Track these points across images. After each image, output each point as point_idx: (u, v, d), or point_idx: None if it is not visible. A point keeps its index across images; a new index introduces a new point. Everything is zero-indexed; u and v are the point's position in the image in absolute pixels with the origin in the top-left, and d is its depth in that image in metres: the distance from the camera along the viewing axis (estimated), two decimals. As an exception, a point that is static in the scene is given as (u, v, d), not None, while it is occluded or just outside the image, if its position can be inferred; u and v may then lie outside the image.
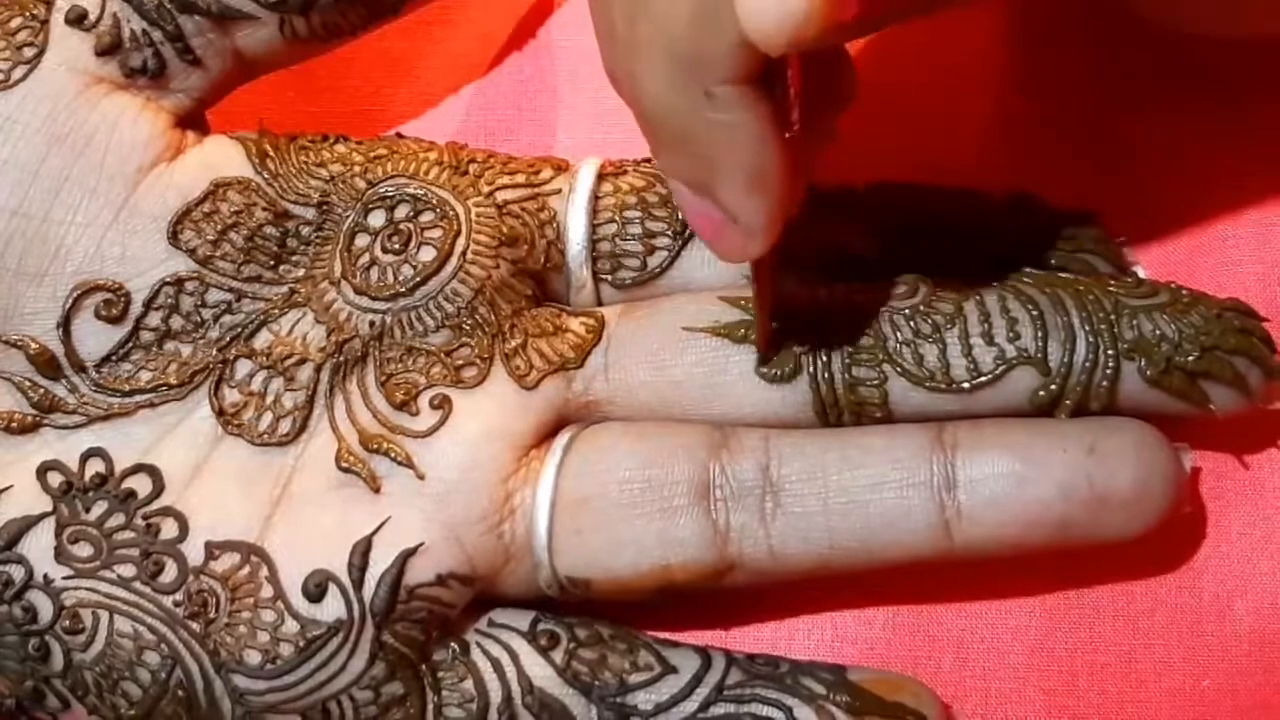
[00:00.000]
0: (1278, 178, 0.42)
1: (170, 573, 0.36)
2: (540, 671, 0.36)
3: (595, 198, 0.39)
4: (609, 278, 0.39)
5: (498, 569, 0.37)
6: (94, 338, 0.37)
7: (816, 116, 0.32)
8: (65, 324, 0.37)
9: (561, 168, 0.40)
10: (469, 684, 0.36)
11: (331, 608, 0.35)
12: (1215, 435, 0.39)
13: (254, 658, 0.35)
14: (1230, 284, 0.40)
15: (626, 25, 0.29)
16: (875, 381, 0.37)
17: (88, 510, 0.37)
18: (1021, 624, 0.39)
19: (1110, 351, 0.36)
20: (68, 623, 0.36)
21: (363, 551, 0.36)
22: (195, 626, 0.36)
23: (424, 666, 0.36)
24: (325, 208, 0.39)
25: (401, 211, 0.38)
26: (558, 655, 0.36)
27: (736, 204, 0.31)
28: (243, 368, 0.38)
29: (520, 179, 0.39)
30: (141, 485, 0.37)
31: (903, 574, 0.38)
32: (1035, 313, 0.36)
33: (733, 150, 0.30)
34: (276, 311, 0.38)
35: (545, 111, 0.45)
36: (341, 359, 0.38)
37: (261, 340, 0.38)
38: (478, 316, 0.38)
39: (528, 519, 0.37)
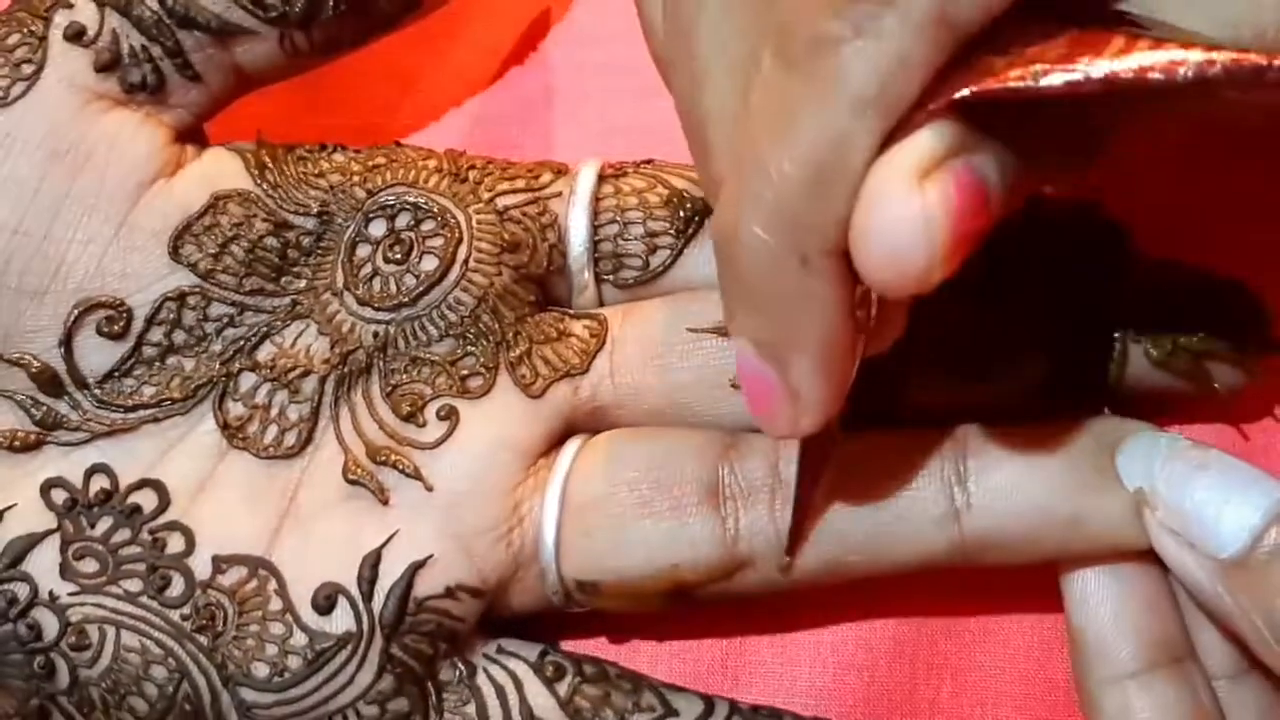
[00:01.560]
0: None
1: (177, 587, 0.36)
2: (543, 701, 0.36)
3: (596, 199, 0.39)
4: (611, 278, 0.39)
5: (507, 580, 0.37)
6: (96, 354, 0.37)
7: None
8: (67, 341, 0.37)
9: (561, 171, 0.40)
10: (471, 708, 0.36)
11: (340, 620, 0.35)
12: (1216, 411, 0.39)
13: (262, 670, 0.35)
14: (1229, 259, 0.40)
15: (733, 171, 0.29)
16: (885, 370, 0.36)
17: (93, 526, 0.36)
18: (1019, 649, 0.39)
19: (1117, 335, 0.36)
20: (73, 639, 0.35)
21: (372, 564, 0.36)
22: (203, 640, 0.35)
23: (430, 685, 0.36)
24: (325, 218, 0.39)
25: (402, 220, 0.38)
26: (562, 688, 0.36)
27: (802, 377, 0.30)
28: (247, 381, 0.38)
29: (520, 184, 0.39)
30: (147, 500, 0.37)
31: (904, 599, 0.39)
32: (1043, 299, 0.36)
33: (814, 321, 0.29)
34: (279, 323, 0.38)
35: (549, 126, 0.46)
36: (346, 370, 0.37)
37: (265, 353, 0.38)
38: (481, 325, 0.38)
39: (536, 527, 0.37)
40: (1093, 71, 0.26)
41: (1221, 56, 0.25)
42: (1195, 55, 0.25)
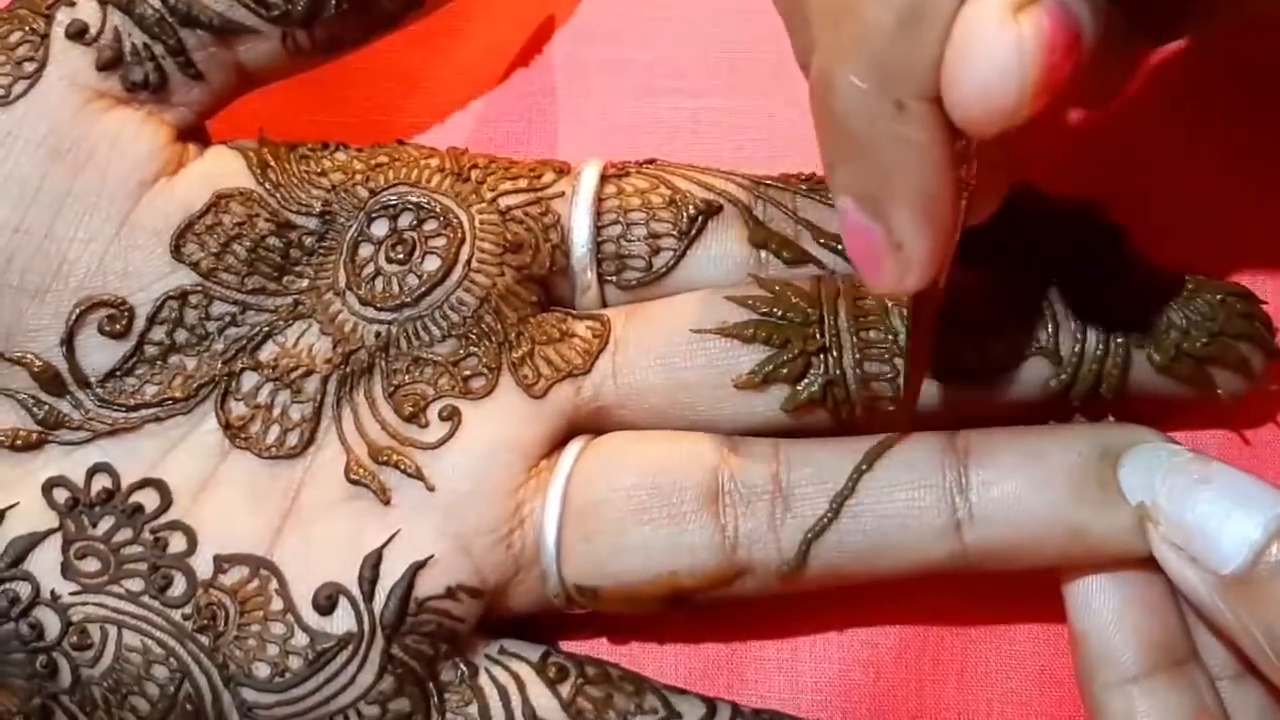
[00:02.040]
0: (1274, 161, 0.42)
1: (179, 586, 0.36)
2: (545, 703, 0.36)
3: (599, 199, 0.39)
4: (614, 279, 0.39)
5: (507, 580, 0.37)
6: (98, 353, 0.37)
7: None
8: (69, 340, 0.37)
9: (563, 170, 0.40)
10: (474, 709, 0.36)
11: (341, 620, 0.35)
12: (1217, 415, 0.39)
13: (263, 670, 0.35)
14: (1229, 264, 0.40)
15: (829, 25, 0.29)
16: (887, 375, 0.36)
17: (95, 525, 0.36)
18: (1025, 649, 0.39)
19: (1120, 340, 0.36)
20: (75, 638, 0.35)
21: (373, 564, 0.36)
22: (204, 640, 0.35)
23: (431, 685, 0.36)
24: (328, 217, 0.39)
25: (405, 220, 0.38)
26: (564, 689, 0.36)
27: (904, 227, 0.30)
28: (249, 380, 0.38)
29: (522, 184, 0.39)
30: (149, 499, 0.37)
31: (909, 598, 0.39)
32: (1045, 303, 0.36)
33: (912, 169, 0.29)
34: (281, 323, 0.38)
35: (552, 124, 0.45)
36: (348, 370, 0.37)
37: (267, 352, 0.38)
38: (484, 325, 0.38)
39: (537, 529, 0.37)
40: None
41: None
42: None
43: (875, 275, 0.31)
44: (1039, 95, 0.27)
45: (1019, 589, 0.38)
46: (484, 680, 0.36)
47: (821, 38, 0.29)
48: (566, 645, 0.39)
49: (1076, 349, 0.36)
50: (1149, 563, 0.34)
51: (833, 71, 0.29)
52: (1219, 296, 0.36)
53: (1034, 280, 0.37)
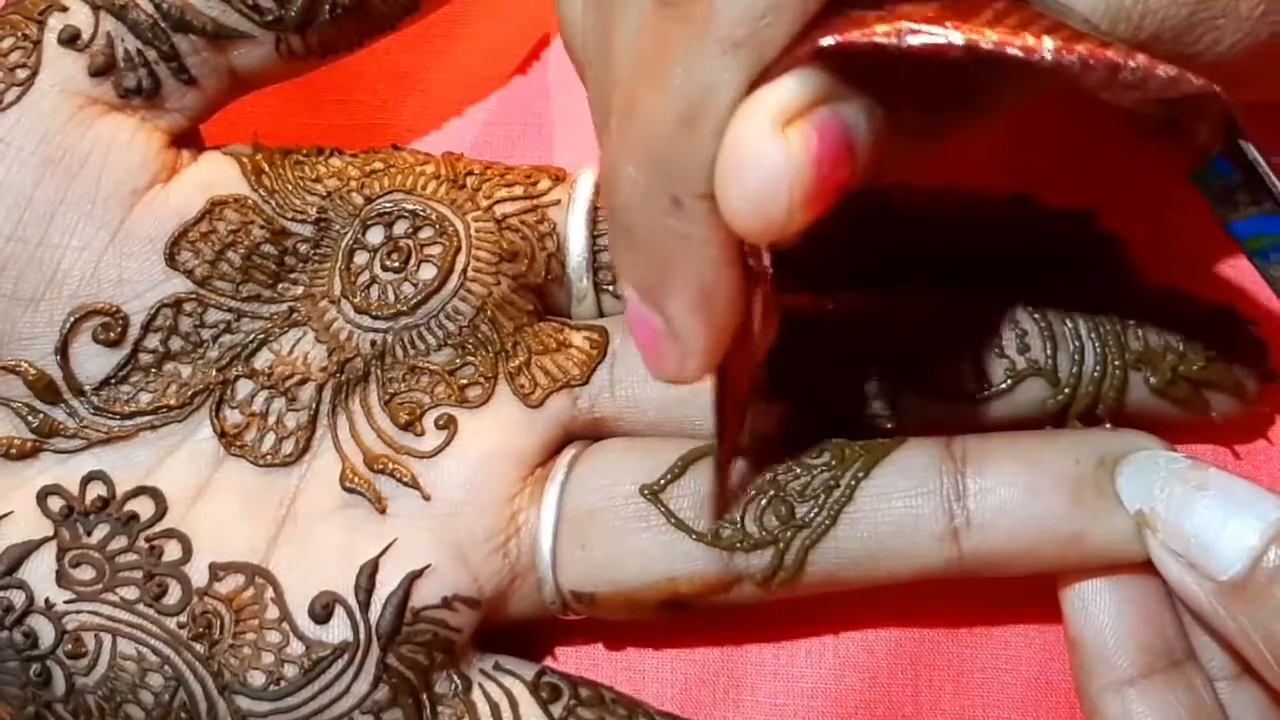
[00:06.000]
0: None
1: (174, 594, 0.36)
2: None
3: (595, 207, 0.39)
4: (611, 288, 0.39)
5: (504, 589, 0.37)
6: (92, 361, 0.37)
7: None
8: (63, 348, 0.37)
9: (559, 177, 0.40)
10: None
11: (337, 629, 0.35)
12: (1209, 430, 0.39)
13: (258, 679, 0.35)
14: (1224, 284, 0.40)
15: (618, 119, 0.29)
16: (884, 393, 0.36)
17: (89, 533, 0.36)
18: (1021, 653, 0.39)
19: (1118, 362, 0.36)
20: (69, 647, 0.35)
21: (369, 573, 0.36)
22: (199, 648, 0.35)
23: (425, 697, 0.36)
24: (323, 224, 0.38)
25: (400, 228, 0.38)
26: (557, 709, 0.36)
27: (680, 319, 0.30)
28: (244, 388, 0.38)
29: (518, 191, 0.39)
30: (144, 507, 0.37)
31: (905, 602, 0.38)
32: (1043, 324, 0.36)
33: (687, 263, 0.29)
34: (276, 330, 0.38)
35: (550, 127, 0.45)
36: (343, 378, 0.37)
37: (262, 360, 0.38)
38: (480, 334, 0.37)
39: (532, 536, 0.37)
40: (954, 37, 0.26)
41: (1081, 47, 0.26)
42: (1052, 41, 0.26)
43: (655, 363, 0.31)
44: (809, 206, 0.26)
45: (1014, 593, 0.38)
46: (477, 695, 0.36)
47: (611, 132, 0.29)
48: (562, 650, 0.39)
49: (1074, 370, 0.36)
50: (1144, 565, 0.34)
51: (615, 165, 0.29)
52: (1215, 319, 0.36)
53: (1032, 297, 0.37)
